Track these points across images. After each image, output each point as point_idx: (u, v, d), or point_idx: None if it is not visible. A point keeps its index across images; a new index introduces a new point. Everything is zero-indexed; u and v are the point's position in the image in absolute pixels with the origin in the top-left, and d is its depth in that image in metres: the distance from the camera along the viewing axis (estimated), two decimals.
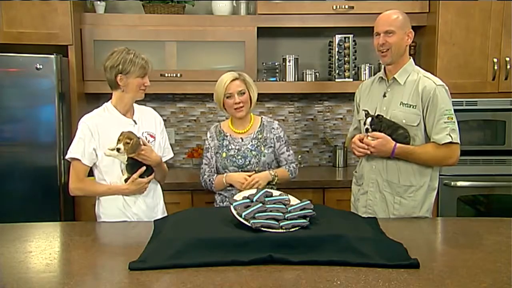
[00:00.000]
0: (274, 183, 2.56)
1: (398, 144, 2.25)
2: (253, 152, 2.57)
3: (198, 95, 3.75)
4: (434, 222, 2.45)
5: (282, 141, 2.64)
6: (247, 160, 2.56)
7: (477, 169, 3.28)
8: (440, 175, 3.22)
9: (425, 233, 2.16)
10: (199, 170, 2.71)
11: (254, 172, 2.54)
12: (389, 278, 1.52)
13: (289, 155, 2.65)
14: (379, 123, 2.26)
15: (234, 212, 1.83)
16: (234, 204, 1.88)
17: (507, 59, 3.24)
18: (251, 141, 2.59)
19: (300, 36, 3.69)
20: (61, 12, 3.15)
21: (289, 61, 3.53)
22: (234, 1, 3.52)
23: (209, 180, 2.61)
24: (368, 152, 2.30)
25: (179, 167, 3.79)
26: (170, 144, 2.62)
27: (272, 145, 2.61)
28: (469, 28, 3.24)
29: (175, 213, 2.19)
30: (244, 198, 1.97)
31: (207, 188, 2.65)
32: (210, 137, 2.67)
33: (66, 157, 2.33)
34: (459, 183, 3.27)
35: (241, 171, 2.55)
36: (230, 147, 2.60)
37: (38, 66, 2.98)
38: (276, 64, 3.58)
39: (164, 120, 2.80)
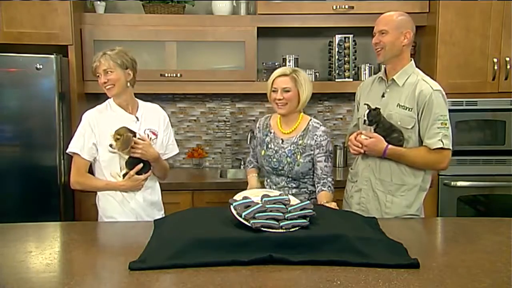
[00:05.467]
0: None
1: (390, 146, 2.26)
2: (288, 159, 2.48)
3: (198, 95, 3.75)
4: (434, 222, 2.45)
5: (322, 149, 2.47)
6: (281, 165, 2.50)
7: (477, 169, 3.28)
8: (440, 175, 3.27)
9: (425, 233, 2.16)
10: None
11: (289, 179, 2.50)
12: (389, 278, 1.52)
13: (325, 166, 2.47)
14: (377, 116, 2.27)
15: (234, 212, 1.83)
16: (234, 204, 1.88)
17: (507, 59, 3.23)
18: (290, 146, 2.50)
19: (300, 36, 3.68)
20: (61, 12, 3.14)
21: (289, 61, 3.53)
22: (234, 1, 3.52)
23: (246, 165, 2.81)
24: (361, 150, 2.31)
25: (179, 167, 3.79)
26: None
27: (312, 152, 2.48)
28: (469, 28, 3.24)
29: (175, 213, 2.18)
30: (244, 198, 1.97)
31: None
32: (258, 127, 2.67)
33: (67, 151, 2.37)
34: (459, 183, 3.27)
35: (275, 174, 2.53)
36: (269, 146, 2.56)
37: (38, 66, 2.98)
38: (276, 64, 3.58)
39: None
